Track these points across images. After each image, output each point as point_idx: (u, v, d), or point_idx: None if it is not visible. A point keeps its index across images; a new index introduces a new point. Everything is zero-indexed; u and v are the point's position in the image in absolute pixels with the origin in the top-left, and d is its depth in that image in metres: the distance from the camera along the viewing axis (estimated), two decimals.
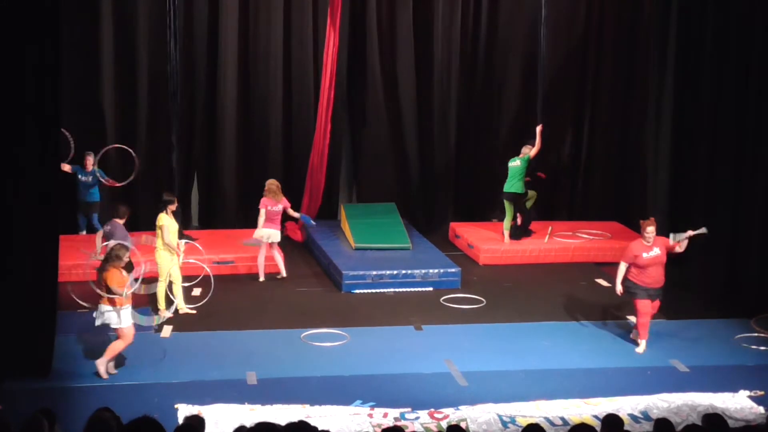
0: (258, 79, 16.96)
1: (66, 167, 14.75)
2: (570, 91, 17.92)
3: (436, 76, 17.45)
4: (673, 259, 12.63)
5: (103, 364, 10.87)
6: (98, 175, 15.26)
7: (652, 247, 11.99)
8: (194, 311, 13.01)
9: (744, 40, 13.85)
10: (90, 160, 15.22)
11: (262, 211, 14.18)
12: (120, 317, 10.91)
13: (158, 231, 12.83)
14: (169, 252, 12.78)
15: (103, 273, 10.80)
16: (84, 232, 15.43)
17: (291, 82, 17.10)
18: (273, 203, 14.21)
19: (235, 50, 16.67)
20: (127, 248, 10.99)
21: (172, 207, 13.03)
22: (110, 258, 10.86)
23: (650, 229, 11.94)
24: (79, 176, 15.21)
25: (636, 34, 17.40)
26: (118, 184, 15.31)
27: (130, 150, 15.30)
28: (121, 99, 16.34)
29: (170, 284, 12.87)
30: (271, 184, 14.36)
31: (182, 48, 16.19)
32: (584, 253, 15.93)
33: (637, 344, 12.19)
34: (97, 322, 11.04)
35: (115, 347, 10.97)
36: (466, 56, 17.59)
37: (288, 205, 14.35)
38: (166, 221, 12.85)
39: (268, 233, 14.21)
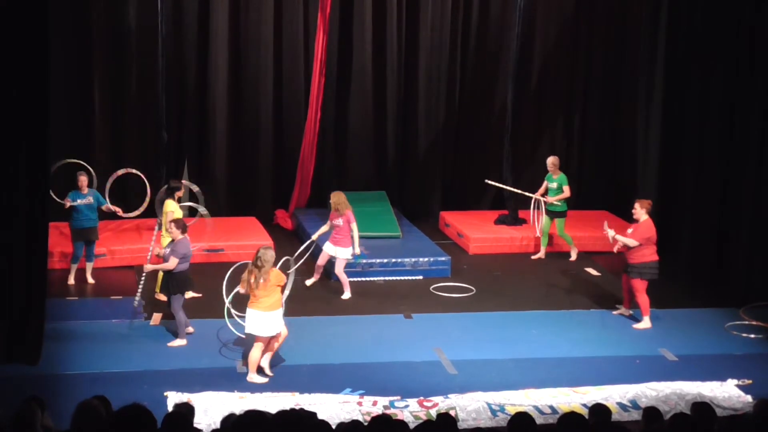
0: (248, 67, 16.90)
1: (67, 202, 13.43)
2: (561, 80, 17.92)
3: (425, 64, 17.42)
4: (663, 248, 12.74)
5: (256, 377, 10.71)
6: (93, 198, 13.56)
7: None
8: (200, 295, 13.03)
9: (734, 28, 13.86)
10: (84, 180, 13.49)
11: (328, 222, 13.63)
12: (271, 322, 10.74)
13: (164, 217, 12.87)
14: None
15: (262, 279, 10.67)
16: (75, 265, 13.64)
17: (282, 70, 17.06)
18: (333, 217, 13.48)
19: (225, 38, 16.61)
20: (271, 249, 10.92)
21: (179, 193, 13.17)
22: (261, 263, 10.72)
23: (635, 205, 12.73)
24: (77, 200, 13.41)
25: (627, 24, 17.42)
26: (122, 213, 13.94)
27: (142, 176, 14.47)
28: (111, 87, 16.25)
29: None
30: (333, 196, 13.57)
31: (172, 36, 16.17)
32: (575, 243, 15.94)
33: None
34: (247, 330, 10.86)
35: (256, 357, 10.76)
36: (456, 44, 17.56)
37: (351, 220, 13.42)
38: (173, 207, 12.92)
39: (328, 248, 13.58)
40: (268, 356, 10.86)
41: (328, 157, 17.26)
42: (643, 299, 12.57)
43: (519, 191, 15.88)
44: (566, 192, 15.32)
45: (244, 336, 11.14)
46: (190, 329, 11.83)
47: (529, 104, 17.48)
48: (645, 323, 12.60)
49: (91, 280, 13.67)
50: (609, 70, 17.84)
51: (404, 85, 17.55)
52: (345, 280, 13.50)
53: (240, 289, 10.94)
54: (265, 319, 10.71)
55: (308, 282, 13.85)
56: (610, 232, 12.67)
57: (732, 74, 13.92)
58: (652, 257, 12.49)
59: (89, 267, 13.72)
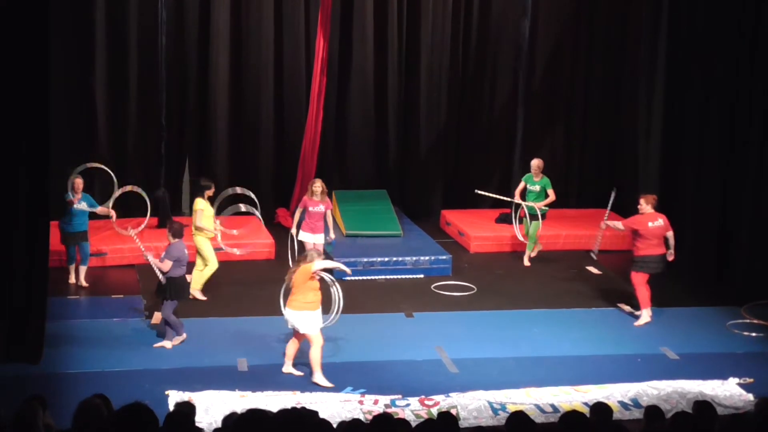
0: (249, 66, 16.90)
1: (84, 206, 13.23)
2: (562, 79, 17.91)
3: (426, 62, 17.42)
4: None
5: (320, 379, 10.61)
6: (85, 204, 13.31)
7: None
8: (205, 298, 13.05)
9: (734, 28, 13.86)
10: (80, 184, 13.29)
11: (298, 210, 13.79)
12: (306, 321, 10.68)
13: (194, 215, 12.93)
14: (205, 236, 12.91)
15: (292, 275, 10.65)
16: (72, 265, 13.46)
17: (282, 68, 17.06)
18: (313, 204, 13.62)
19: (226, 37, 16.62)
20: (319, 253, 10.83)
21: (209, 192, 13.17)
22: (303, 260, 10.65)
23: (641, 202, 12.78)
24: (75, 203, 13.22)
25: (627, 24, 17.41)
26: (114, 217, 13.70)
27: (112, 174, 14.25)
28: (112, 86, 16.24)
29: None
30: (313, 183, 13.76)
31: (173, 35, 16.17)
32: (575, 241, 15.96)
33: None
34: (289, 325, 10.85)
35: (315, 357, 10.66)
36: (457, 42, 17.56)
37: (330, 206, 13.79)
38: (203, 205, 12.98)
39: (307, 237, 13.70)
40: (314, 368, 10.73)
41: (328, 156, 17.26)
42: (641, 292, 12.63)
43: (507, 198, 15.48)
44: (552, 196, 14.93)
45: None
46: (178, 341, 11.63)
47: (530, 102, 17.44)
48: (644, 317, 12.65)
49: (85, 284, 13.41)
50: (610, 70, 17.82)
51: (405, 83, 17.54)
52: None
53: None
54: (296, 317, 10.66)
55: None
56: (604, 224, 13.12)
57: (732, 74, 13.91)
58: (648, 251, 12.55)
59: (83, 270, 13.45)
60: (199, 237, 12.99)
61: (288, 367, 10.87)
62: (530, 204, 14.92)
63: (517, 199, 15.23)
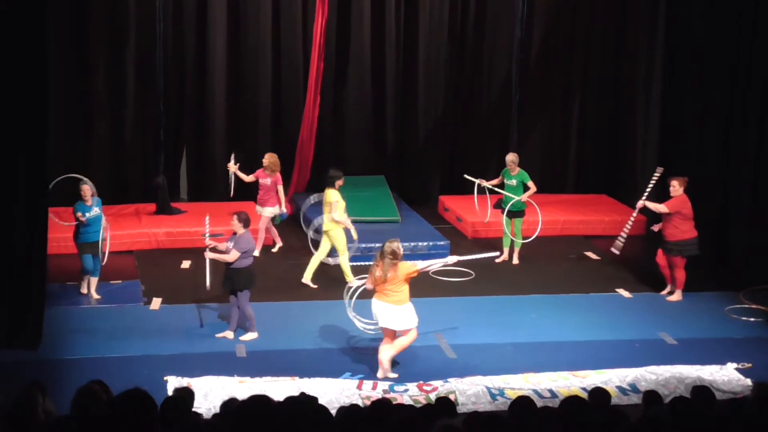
0: (247, 52, 16.88)
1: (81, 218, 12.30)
2: (560, 65, 17.88)
3: (424, 46, 17.39)
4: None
5: (388, 368, 10.45)
6: (99, 208, 12.51)
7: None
8: (316, 286, 13.04)
9: (734, 12, 13.84)
10: (88, 190, 12.37)
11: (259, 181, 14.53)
12: (408, 314, 10.48)
13: (327, 207, 12.93)
14: (339, 227, 12.96)
15: (388, 269, 10.35)
16: (87, 276, 12.57)
17: (280, 54, 17.04)
18: (264, 176, 14.37)
19: (224, 22, 16.59)
20: (397, 241, 10.56)
21: (340, 182, 13.10)
22: (385, 255, 10.42)
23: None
24: (86, 214, 12.30)
25: (627, 5, 17.36)
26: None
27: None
28: (108, 74, 16.22)
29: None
30: (269, 156, 14.51)
31: (171, 22, 16.13)
32: (574, 227, 15.96)
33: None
34: (381, 324, 10.56)
35: (402, 343, 10.50)
36: (455, 25, 17.53)
37: (279, 182, 14.42)
38: (336, 197, 12.94)
39: (258, 209, 14.48)
40: (390, 352, 10.52)
41: (326, 142, 17.23)
42: (680, 274, 12.80)
43: (497, 189, 14.57)
44: (533, 187, 14.25)
45: (372, 332, 11.04)
46: (231, 335, 11.39)
47: (527, 88, 17.40)
48: (677, 296, 12.88)
49: (96, 296, 12.59)
50: (609, 58, 17.73)
51: (403, 67, 17.51)
52: (261, 237, 14.42)
53: (367, 284, 10.73)
54: (396, 312, 10.44)
55: (274, 248, 14.63)
56: (642, 203, 12.91)
57: (734, 56, 13.90)
58: (691, 234, 12.66)
59: (94, 282, 12.58)
60: (335, 227, 13.00)
61: (385, 364, 10.51)
62: (514, 197, 14.22)
63: (486, 184, 14.57)
